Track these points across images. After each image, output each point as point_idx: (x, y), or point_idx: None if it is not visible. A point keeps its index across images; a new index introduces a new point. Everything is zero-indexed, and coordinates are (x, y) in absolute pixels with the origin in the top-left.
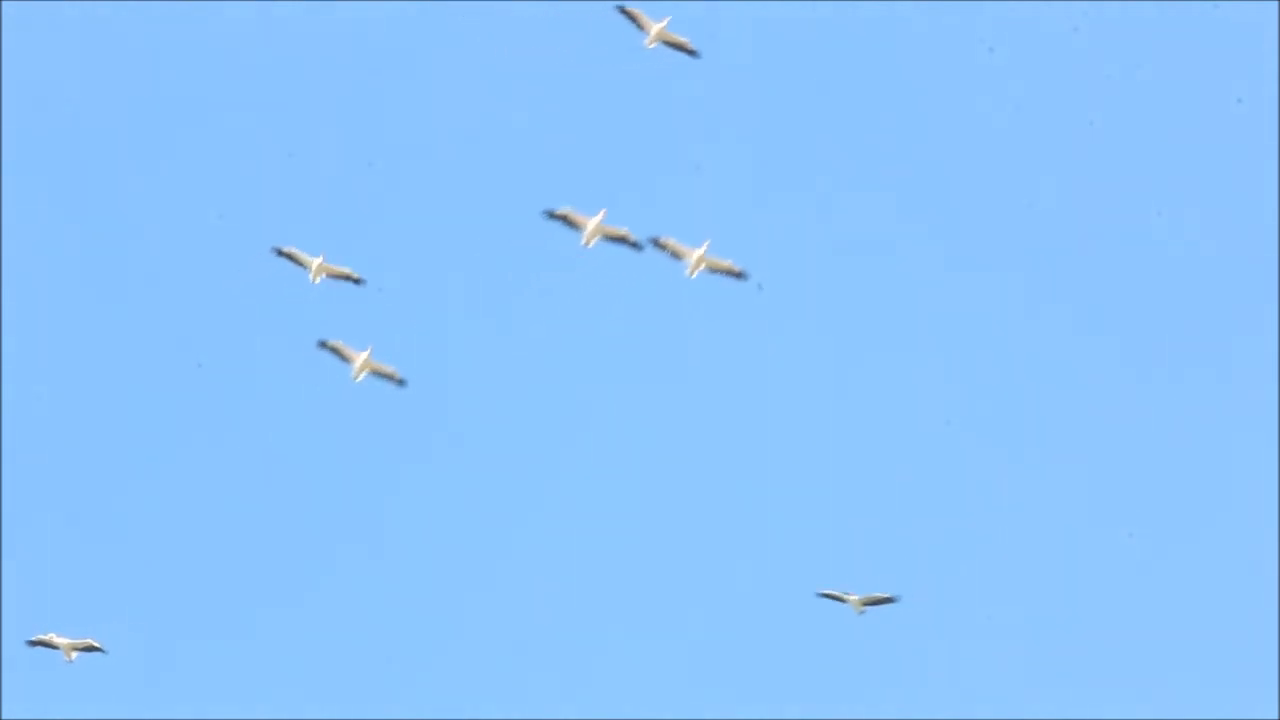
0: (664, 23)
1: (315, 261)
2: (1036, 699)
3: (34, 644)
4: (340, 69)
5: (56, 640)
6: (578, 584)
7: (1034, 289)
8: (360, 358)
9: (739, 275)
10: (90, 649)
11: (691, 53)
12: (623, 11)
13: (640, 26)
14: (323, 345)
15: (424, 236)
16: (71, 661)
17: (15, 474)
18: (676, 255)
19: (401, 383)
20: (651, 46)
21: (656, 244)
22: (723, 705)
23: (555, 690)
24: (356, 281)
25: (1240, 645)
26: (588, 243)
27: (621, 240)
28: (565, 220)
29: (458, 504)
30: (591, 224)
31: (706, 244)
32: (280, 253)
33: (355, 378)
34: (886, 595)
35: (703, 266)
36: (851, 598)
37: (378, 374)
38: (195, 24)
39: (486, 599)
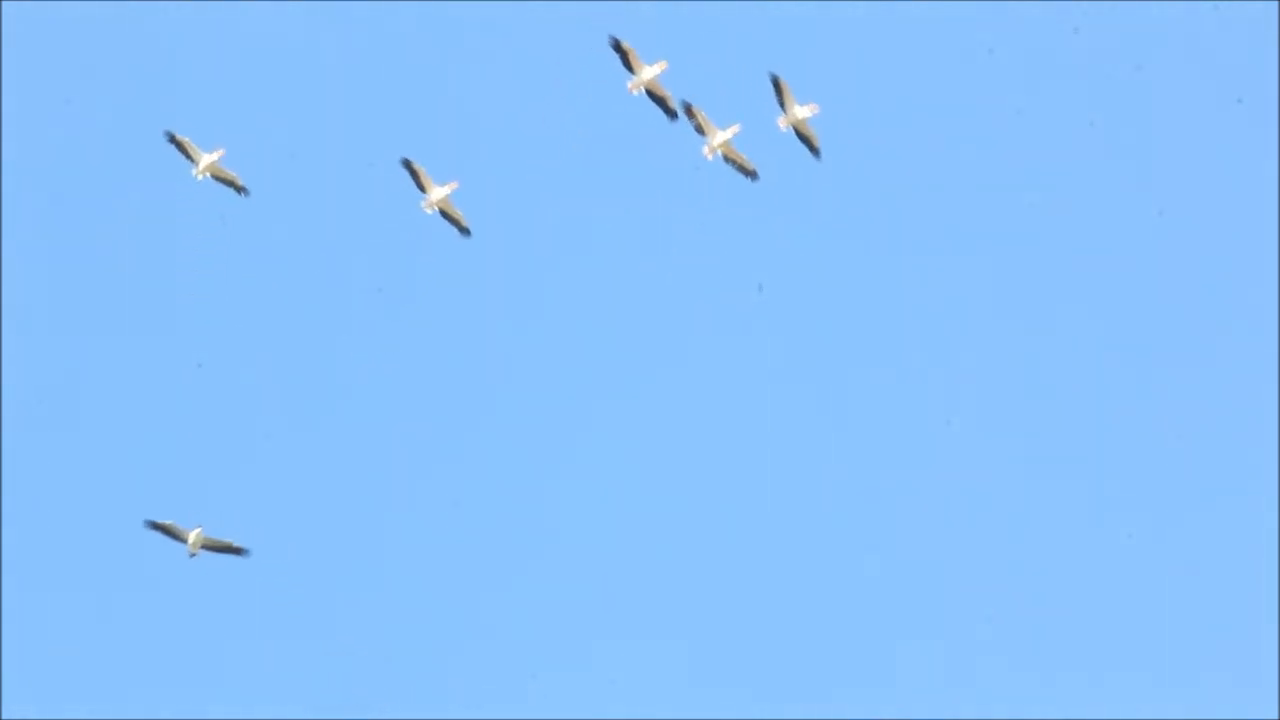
0: (656, 69)
1: (192, 534)
2: (1037, 699)
3: (155, 527)
4: (340, 69)
5: (181, 531)
6: (577, 584)
7: (1034, 289)
8: (192, 535)
9: (751, 175)
10: (229, 549)
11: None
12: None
13: (630, 67)
14: (152, 526)
15: (424, 237)
16: (194, 556)
17: (15, 473)
18: (701, 130)
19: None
20: (634, 93)
21: (687, 110)
22: (722, 705)
23: (556, 690)
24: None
25: (1240, 645)
26: (634, 90)
27: (661, 102)
28: (623, 54)
29: (457, 504)
30: (647, 71)
31: (736, 128)
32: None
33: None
34: (234, 544)
35: (721, 151)
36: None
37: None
38: (195, 24)
39: (486, 599)
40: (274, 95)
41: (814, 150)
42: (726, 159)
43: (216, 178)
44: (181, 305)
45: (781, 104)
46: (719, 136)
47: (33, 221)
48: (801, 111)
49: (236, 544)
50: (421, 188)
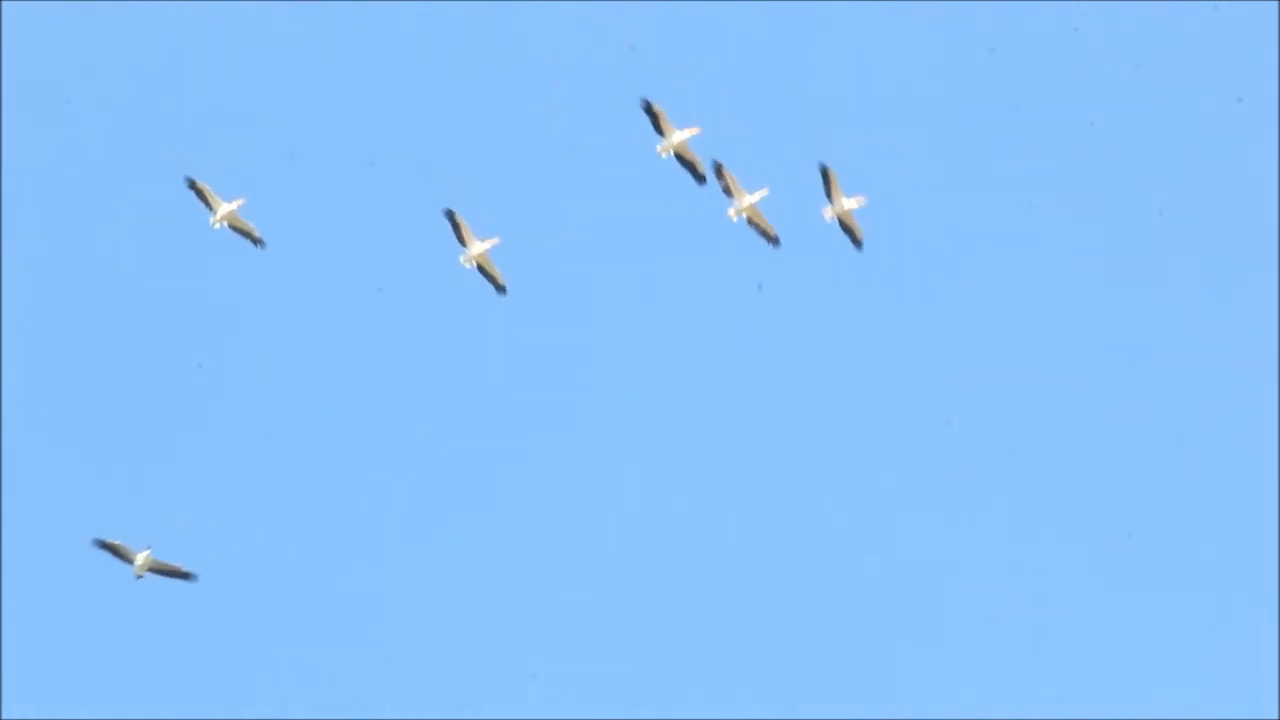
0: (687, 133)
1: (140, 555)
2: (1037, 699)
3: (103, 546)
4: (340, 69)
5: (128, 551)
6: (578, 584)
7: (1033, 290)
8: (140, 557)
9: (773, 241)
10: (177, 574)
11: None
12: (647, 110)
13: (659, 129)
14: (100, 545)
15: (423, 237)
16: (140, 579)
17: (15, 473)
18: (729, 191)
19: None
20: (663, 155)
21: (717, 171)
22: (722, 705)
23: (556, 690)
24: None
25: (1240, 645)
26: (663, 153)
27: (690, 166)
28: (654, 117)
29: (455, 504)
30: (677, 135)
31: (764, 192)
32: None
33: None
34: (182, 569)
35: (746, 214)
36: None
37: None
38: (195, 24)
39: (485, 599)
40: (274, 95)
41: (857, 242)
42: (750, 222)
43: (234, 228)
44: (181, 305)
45: (829, 194)
46: (746, 199)
47: (33, 221)
48: (849, 203)
49: (185, 569)
50: (462, 241)
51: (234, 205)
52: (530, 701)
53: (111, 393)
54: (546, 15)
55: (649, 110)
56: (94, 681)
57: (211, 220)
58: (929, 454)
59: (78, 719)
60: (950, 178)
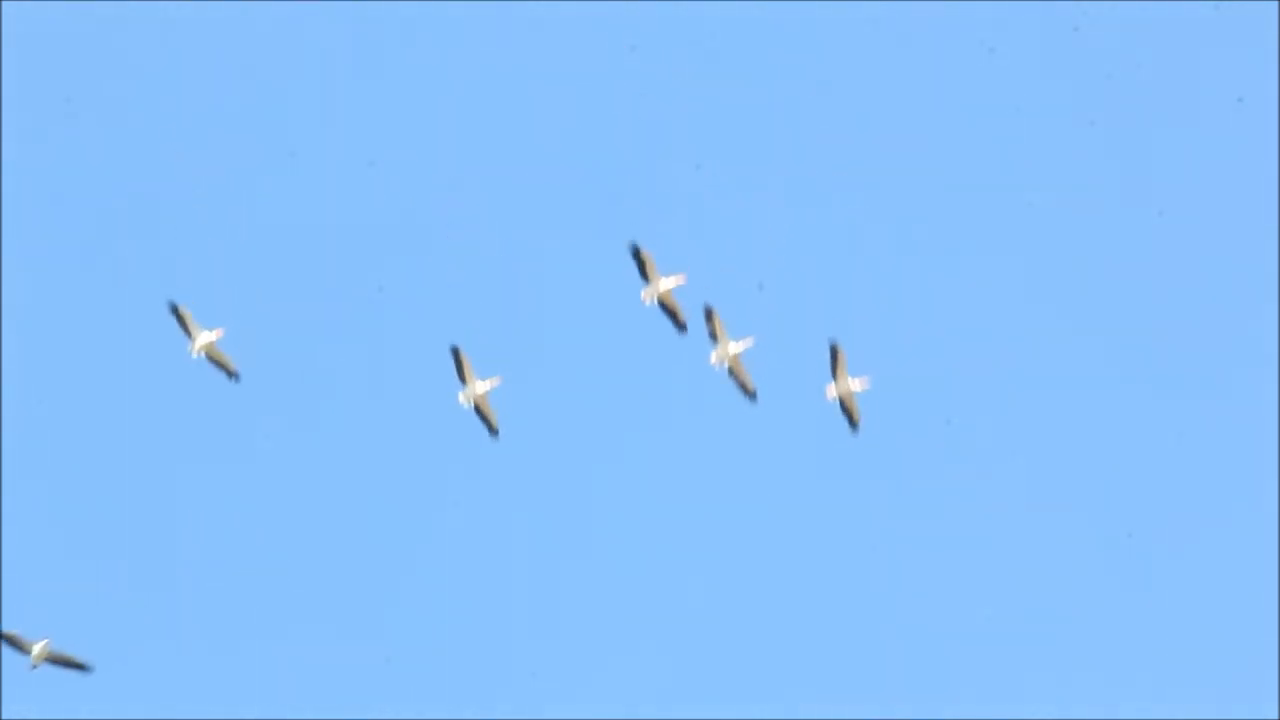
0: (672, 281)
1: (37, 646)
2: (1037, 699)
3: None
4: (340, 69)
5: (26, 642)
6: (576, 586)
7: (1033, 290)
8: (36, 647)
9: (750, 395)
10: (69, 664)
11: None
12: (634, 255)
13: (644, 274)
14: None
15: (423, 238)
16: (35, 668)
17: (16, 473)
18: (715, 335)
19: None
20: (647, 302)
21: (707, 315)
22: (722, 705)
23: (556, 691)
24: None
25: (1240, 645)
26: (647, 299)
27: (672, 315)
28: (640, 262)
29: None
30: (663, 283)
31: (749, 341)
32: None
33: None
34: (78, 660)
35: (728, 363)
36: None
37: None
38: (195, 24)
39: (486, 599)
40: (274, 95)
41: (853, 424)
42: (731, 372)
43: (210, 358)
44: (182, 304)
45: (834, 372)
46: (730, 348)
47: (33, 221)
48: (853, 384)
49: (80, 659)
50: (462, 379)
51: (212, 336)
52: (531, 701)
53: (111, 393)
54: (547, 15)
55: (636, 255)
56: (94, 681)
57: (190, 349)
58: (928, 454)
59: (78, 719)
60: (950, 177)
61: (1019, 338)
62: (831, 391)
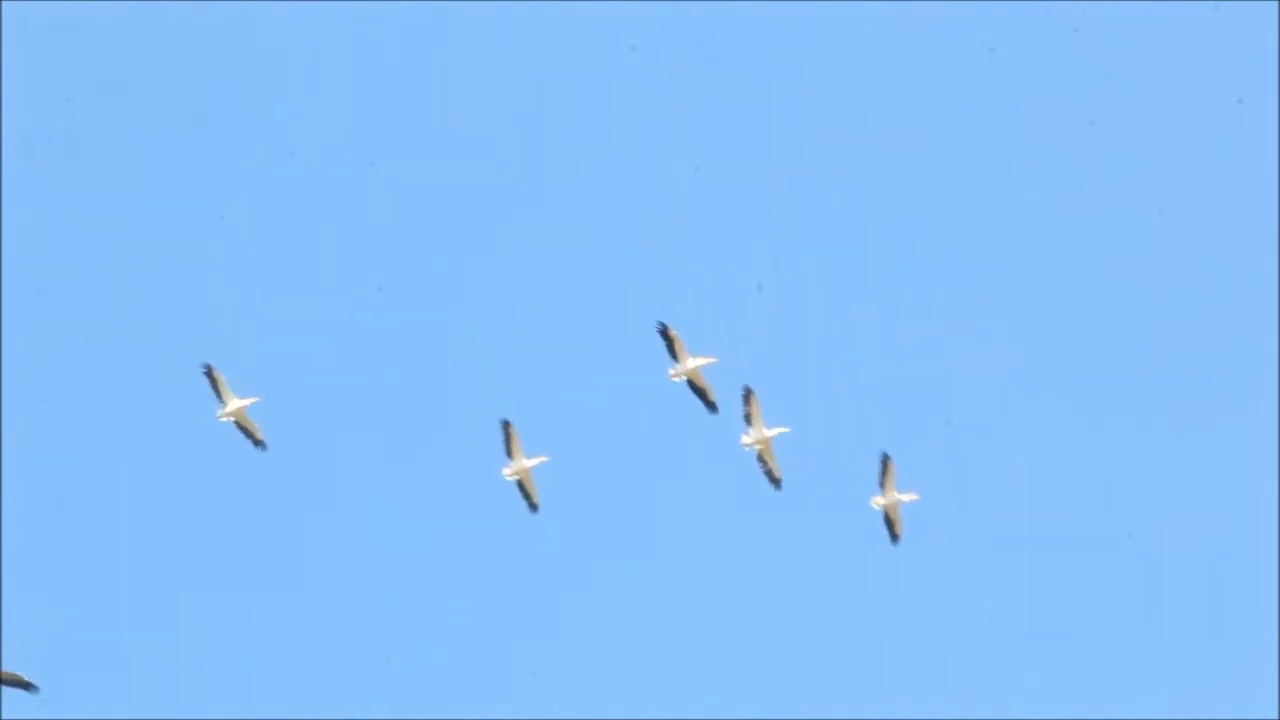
0: (701, 361)
1: None
2: (1037, 699)
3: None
4: (340, 69)
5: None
6: (576, 585)
7: (1034, 290)
8: None
9: (776, 483)
10: (19, 684)
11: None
12: (663, 334)
13: (673, 354)
14: None
15: (423, 239)
16: None
17: (16, 474)
18: (749, 418)
19: (30, 688)
20: (675, 380)
21: (746, 396)
22: (721, 705)
23: (555, 691)
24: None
25: (1240, 645)
26: (675, 377)
27: (701, 394)
28: (669, 341)
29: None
30: (691, 362)
31: (783, 430)
32: None
33: None
34: (25, 680)
35: (759, 447)
36: None
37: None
38: (195, 24)
39: (485, 599)
40: (274, 95)
41: (894, 536)
42: (760, 458)
43: (239, 425)
44: (182, 306)
45: (882, 483)
46: (764, 433)
47: (33, 222)
48: (902, 497)
49: (27, 679)
50: (509, 452)
51: (245, 403)
52: (530, 702)
53: (112, 392)
54: (547, 15)
55: (664, 334)
56: (94, 681)
57: (219, 413)
58: (928, 454)
59: (78, 719)
60: (950, 178)
61: (1019, 338)
62: (878, 502)
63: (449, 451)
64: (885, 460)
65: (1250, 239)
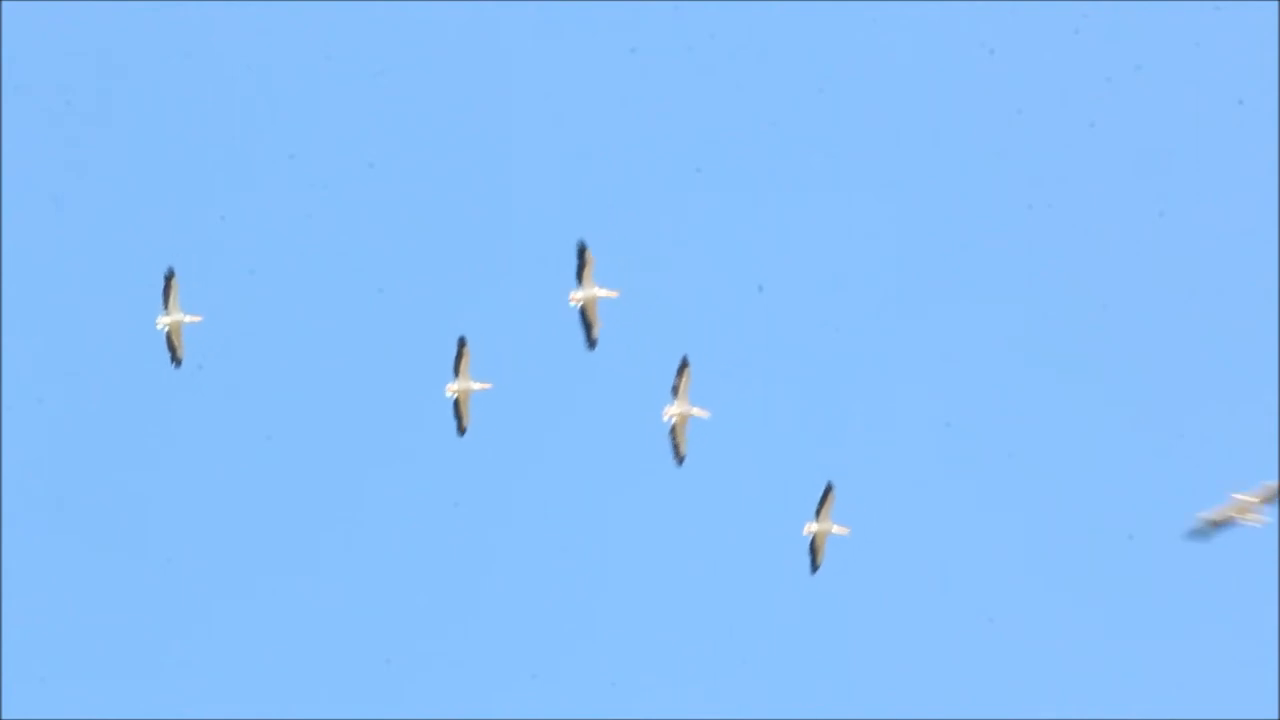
0: (603, 292)
1: None
2: (1037, 699)
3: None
4: (340, 69)
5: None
6: (573, 585)
7: (1034, 290)
8: None
9: (679, 459)
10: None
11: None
12: (580, 252)
13: (580, 277)
14: None
15: (423, 240)
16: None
17: (16, 475)
18: (676, 390)
19: None
20: (572, 304)
21: (681, 366)
22: (720, 706)
23: (555, 690)
24: None
25: (1240, 645)
26: (573, 302)
27: (588, 328)
28: (582, 263)
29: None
30: (595, 290)
31: (705, 413)
32: None
33: None
34: None
35: (675, 420)
36: None
37: None
38: (195, 24)
39: (485, 598)
40: (274, 95)
41: (814, 566)
42: (672, 433)
43: (170, 338)
44: (181, 306)
45: (819, 511)
46: (685, 409)
47: (33, 222)
48: (834, 529)
49: None
50: (456, 371)
51: (185, 319)
52: (529, 702)
53: (112, 391)
54: (547, 16)
55: (581, 253)
56: (94, 682)
57: (157, 320)
58: (928, 453)
59: (77, 719)
60: (950, 179)
61: (1018, 338)
62: (809, 529)
63: (449, 451)
64: (827, 489)
65: (1250, 239)
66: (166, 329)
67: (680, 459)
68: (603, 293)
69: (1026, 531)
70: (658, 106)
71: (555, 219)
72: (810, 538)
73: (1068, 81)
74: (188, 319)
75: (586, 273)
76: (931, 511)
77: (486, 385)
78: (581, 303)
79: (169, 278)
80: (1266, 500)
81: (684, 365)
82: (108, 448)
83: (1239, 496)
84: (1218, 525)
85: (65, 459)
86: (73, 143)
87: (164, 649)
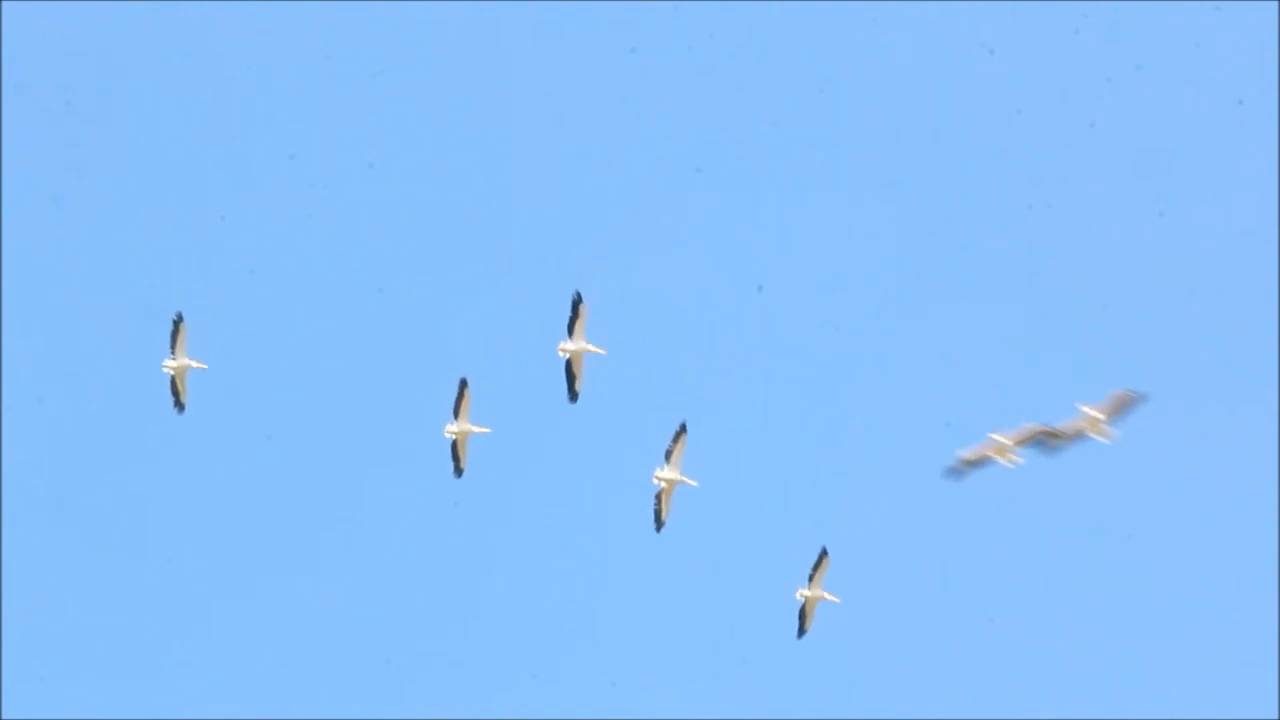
0: (590, 348)
1: None
2: (1038, 699)
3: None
4: (340, 69)
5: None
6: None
7: (1034, 290)
8: None
9: (659, 525)
10: None
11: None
12: (574, 303)
13: (573, 320)
14: None
15: (423, 240)
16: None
17: (16, 474)
18: (669, 456)
19: None
20: (560, 355)
21: (678, 433)
22: (720, 706)
23: (555, 690)
24: None
25: (1240, 645)
26: (561, 353)
27: (571, 380)
28: (575, 314)
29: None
30: (582, 345)
31: (693, 483)
32: None
33: None
34: None
35: (663, 486)
36: None
37: None
38: (196, 24)
39: (485, 598)
40: (274, 95)
41: (801, 630)
42: (658, 499)
43: (175, 381)
44: (181, 306)
45: (812, 576)
46: (673, 475)
47: (33, 222)
48: (826, 595)
49: None
50: (456, 412)
51: (191, 364)
52: (529, 702)
53: (114, 390)
54: (546, 16)
55: (575, 305)
56: (94, 681)
57: (164, 363)
58: (928, 454)
59: (77, 719)
60: (949, 179)
61: (1018, 338)
62: (801, 594)
63: (447, 451)
64: (822, 554)
65: (1250, 239)
66: (172, 374)
67: (660, 525)
68: (591, 349)
69: (1026, 531)
70: (658, 106)
71: (555, 219)
72: (801, 602)
73: (1068, 81)
74: (194, 364)
75: (579, 325)
76: (931, 512)
77: (485, 430)
78: (569, 355)
79: (177, 322)
80: (1022, 442)
81: (681, 431)
82: (108, 448)
83: (996, 437)
84: (974, 464)
85: (65, 459)
86: (73, 143)
87: (164, 649)
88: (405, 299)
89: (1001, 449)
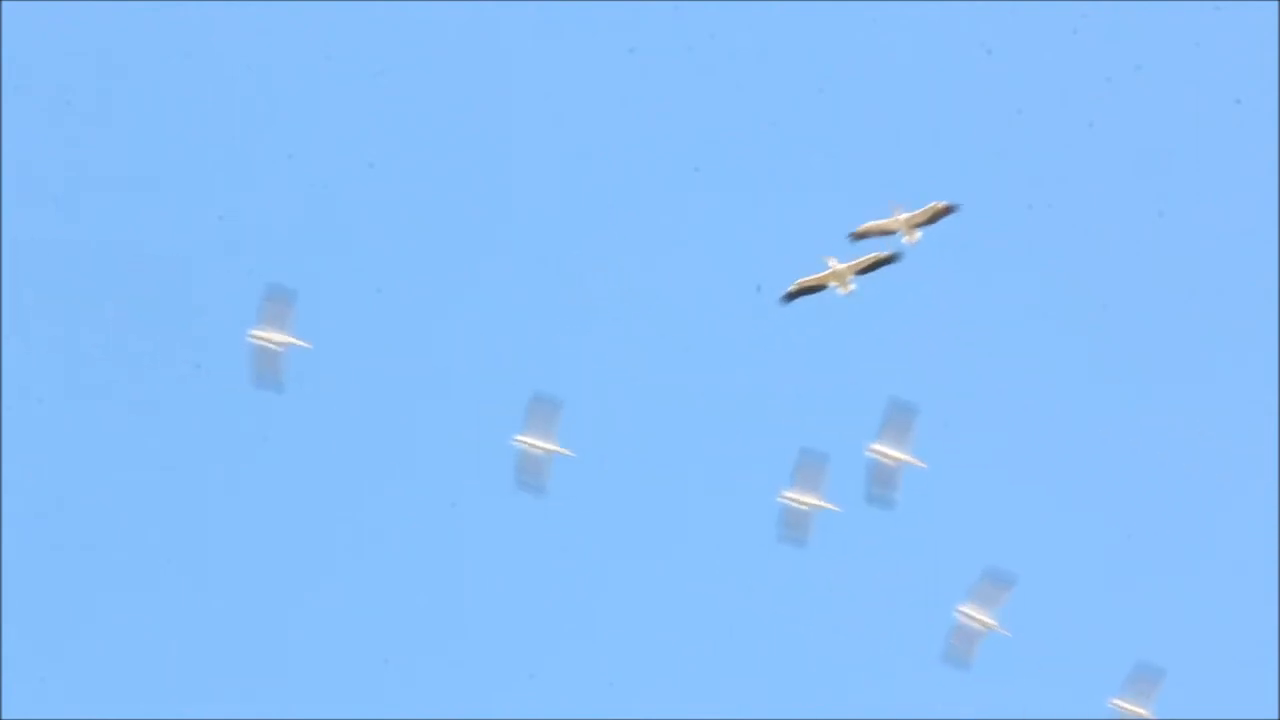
0: (552, 448)
1: None
2: (1037, 698)
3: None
4: (340, 69)
5: None
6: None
7: (1034, 291)
8: None
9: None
10: None
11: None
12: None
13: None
14: None
15: (423, 240)
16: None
17: (16, 474)
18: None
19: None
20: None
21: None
22: (720, 706)
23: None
24: None
25: (1240, 645)
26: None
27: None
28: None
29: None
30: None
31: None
32: None
33: None
34: None
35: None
36: None
37: None
38: (196, 24)
39: (484, 597)
40: (274, 95)
41: (888, 500)
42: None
43: (265, 350)
44: (181, 307)
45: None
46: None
47: (33, 222)
48: (906, 458)
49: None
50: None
51: (289, 339)
52: (528, 701)
53: (109, 391)
54: (546, 16)
55: (550, 401)
56: (94, 681)
57: (256, 330)
58: (927, 453)
59: (77, 719)
60: (949, 179)
61: (1018, 339)
62: (873, 450)
63: (448, 451)
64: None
65: (1250, 239)
66: (265, 341)
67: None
68: (560, 450)
69: (1026, 531)
70: (657, 106)
71: (555, 219)
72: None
73: (1068, 81)
74: (291, 340)
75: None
76: (930, 511)
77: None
78: (526, 446)
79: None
80: (855, 272)
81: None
82: (108, 448)
83: (831, 261)
84: (806, 291)
85: (65, 459)
86: (73, 143)
87: (164, 649)
88: (405, 299)
89: (838, 276)
